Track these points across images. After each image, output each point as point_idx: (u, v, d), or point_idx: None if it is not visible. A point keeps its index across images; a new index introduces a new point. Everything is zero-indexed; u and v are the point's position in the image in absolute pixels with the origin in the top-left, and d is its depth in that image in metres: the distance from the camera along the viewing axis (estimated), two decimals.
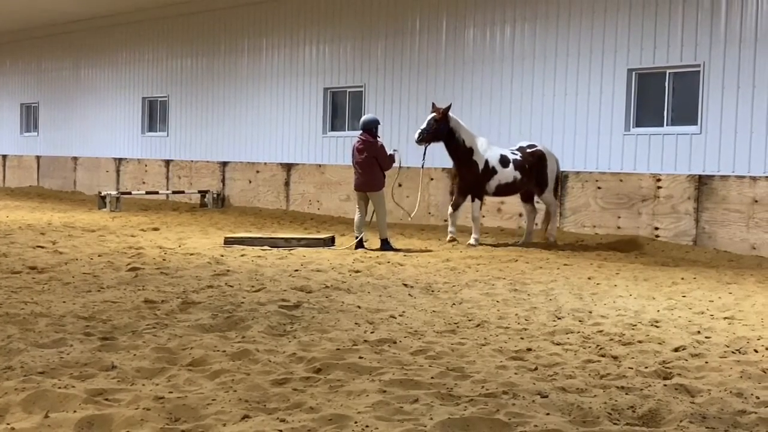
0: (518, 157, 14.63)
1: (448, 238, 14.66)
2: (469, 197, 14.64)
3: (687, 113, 14.80)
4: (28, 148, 31.33)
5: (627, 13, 15.36)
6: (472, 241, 14.43)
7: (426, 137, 14.28)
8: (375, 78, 19.68)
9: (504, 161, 14.50)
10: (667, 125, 15.04)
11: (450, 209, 14.77)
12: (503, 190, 14.67)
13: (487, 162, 14.41)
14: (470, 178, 14.45)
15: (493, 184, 14.52)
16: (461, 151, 14.43)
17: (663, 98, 15.12)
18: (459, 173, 14.63)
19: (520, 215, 15.96)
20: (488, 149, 14.50)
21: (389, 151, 14.23)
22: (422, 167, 15.07)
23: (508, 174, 14.49)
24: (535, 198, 15.12)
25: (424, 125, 14.33)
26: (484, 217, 15.57)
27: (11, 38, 31.75)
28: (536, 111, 16.67)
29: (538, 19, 16.68)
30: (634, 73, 15.42)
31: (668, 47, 14.85)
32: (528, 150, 14.82)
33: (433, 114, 14.33)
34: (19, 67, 31.79)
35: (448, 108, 14.40)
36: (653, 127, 15.19)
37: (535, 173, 14.68)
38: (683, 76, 14.90)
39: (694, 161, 14.51)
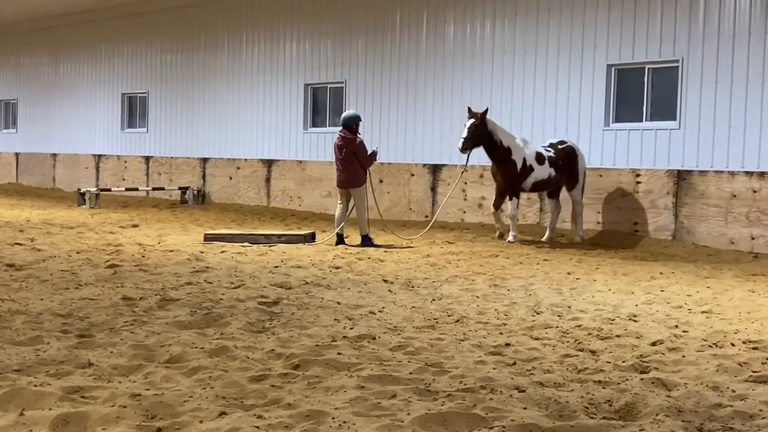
0: (552, 154, 14.74)
1: (497, 234, 14.95)
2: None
3: (666, 108, 14.86)
4: (6, 145, 31.09)
5: (606, 8, 15.41)
6: (510, 238, 14.49)
7: (468, 144, 14.33)
8: (356, 74, 19.65)
9: (540, 159, 14.60)
10: (646, 120, 15.10)
11: (492, 209, 14.99)
12: (538, 186, 14.83)
13: (524, 160, 14.51)
14: (509, 177, 14.53)
15: (530, 181, 14.63)
16: (501, 152, 14.50)
17: (642, 94, 15.17)
18: (499, 172, 14.70)
19: (501, 211, 15.96)
20: (525, 147, 14.59)
21: (370, 149, 14.21)
22: (463, 171, 15.73)
23: (543, 171, 14.61)
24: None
25: (465, 133, 14.30)
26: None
27: None
28: (516, 106, 16.70)
29: (518, 14, 16.71)
30: (613, 68, 15.47)
31: (647, 43, 14.91)
32: (559, 146, 14.93)
33: (472, 120, 14.34)
34: None
35: (486, 112, 14.42)
36: (632, 122, 15.24)
37: (567, 169, 14.80)
38: (662, 72, 14.96)
39: (672, 156, 14.57)
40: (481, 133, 14.32)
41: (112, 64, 26.48)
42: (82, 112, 27.54)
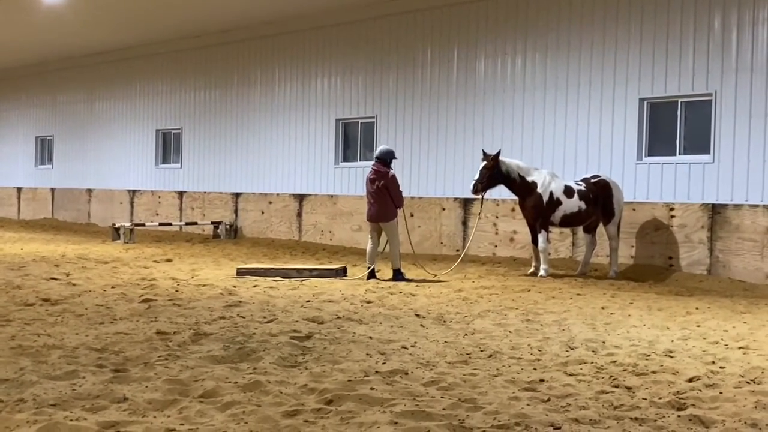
0: (582, 187, 14.70)
1: (531, 270, 14.92)
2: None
3: (699, 142, 14.78)
4: (42, 181, 31.54)
5: (638, 43, 15.41)
6: (542, 272, 14.47)
7: (479, 187, 14.54)
8: (387, 109, 19.77)
9: (568, 192, 14.58)
10: (679, 154, 15.02)
11: (533, 245, 14.94)
12: (569, 220, 14.76)
13: (551, 194, 14.51)
14: (535, 210, 14.55)
15: (558, 215, 14.60)
16: (524, 188, 14.60)
17: (675, 127, 15.11)
18: (525, 207, 14.74)
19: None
20: (552, 181, 14.60)
21: (402, 186, 14.23)
22: (479, 215, 15.98)
23: (573, 204, 14.55)
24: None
25: (477, 176, 14.53)
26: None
27: (27, 72, 32.09)
28: (548, 141, 16.69)
29: (549, 49, 16.75)
30: (645, 102, 15.43)
31: (680, 76, 14.87)
32: (592, 180, 14.87)
33: (484, 163, 14.46)
34: (35, 101, 32.10)
35: (498, 154, 14.54)
36: (666, 156, 15.17)
37: (600, 203, 14.71)
38: (695, 105, 14.90)
39: (707, 190, 14.47)
40: (495, 177, 14.47)
41: (146, 101, 26.85)
42: (117, 149, 27.91)
